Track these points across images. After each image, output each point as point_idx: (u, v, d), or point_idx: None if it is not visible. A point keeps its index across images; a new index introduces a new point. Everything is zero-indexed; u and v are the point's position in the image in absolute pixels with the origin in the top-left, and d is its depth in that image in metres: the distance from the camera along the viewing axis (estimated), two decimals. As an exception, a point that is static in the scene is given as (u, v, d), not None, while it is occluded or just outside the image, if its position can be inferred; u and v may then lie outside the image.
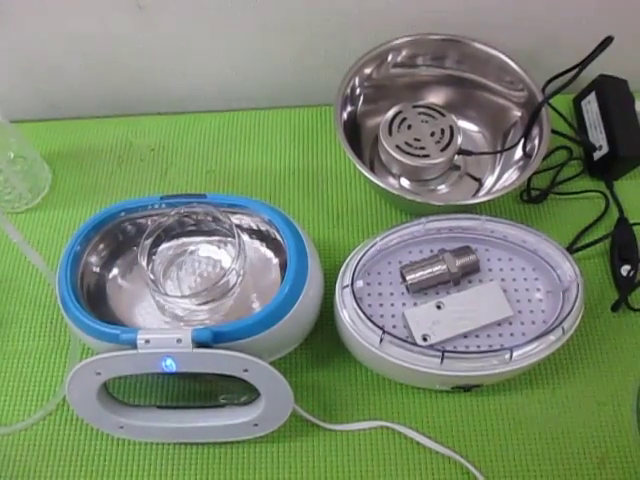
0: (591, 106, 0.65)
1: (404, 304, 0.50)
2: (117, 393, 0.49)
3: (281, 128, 0.70)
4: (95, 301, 0.49)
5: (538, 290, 0.51)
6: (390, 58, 0.63)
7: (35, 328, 0.58)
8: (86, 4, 0.62)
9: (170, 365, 0.43)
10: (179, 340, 0.42)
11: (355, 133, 0.65)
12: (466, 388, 0.50)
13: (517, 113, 0.62)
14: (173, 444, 0.52)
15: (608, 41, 0.53)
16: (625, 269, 0.58)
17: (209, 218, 0.51)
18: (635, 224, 0.60)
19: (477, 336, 0.49)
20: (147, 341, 0.42)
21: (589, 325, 0.57)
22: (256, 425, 0.48)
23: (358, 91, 0.64)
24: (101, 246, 0.50)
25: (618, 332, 0.56)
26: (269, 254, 0.52)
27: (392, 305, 0.50)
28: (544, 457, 0.51)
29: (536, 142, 0.57)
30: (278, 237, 0.49)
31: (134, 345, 0.42)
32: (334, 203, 0.64)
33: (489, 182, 0.63)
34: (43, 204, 0.65)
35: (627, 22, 0.64)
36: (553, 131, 0.62)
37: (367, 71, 0.63)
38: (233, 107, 0.72)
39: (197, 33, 0.66)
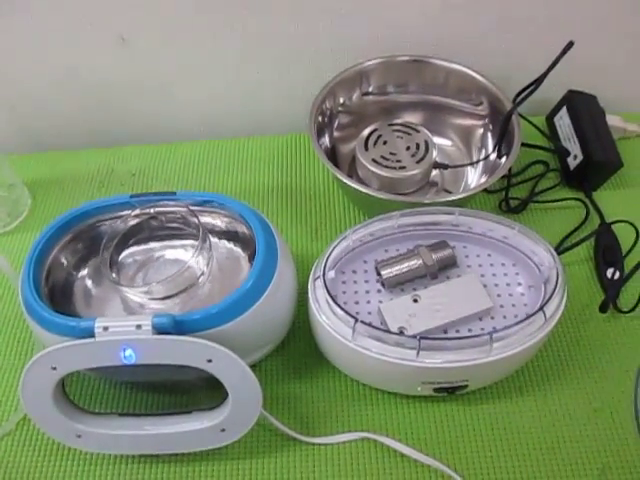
0: (563, 120, 0.66)
1: (380, 301, 0.48)
2: (78, 402, 0.46)
3: (260, 154, 0.70)
4: (60, 300, 0.47)
5: (519, 284, 0.49)
6: (361, 85, 0.66)
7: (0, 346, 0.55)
8: (70, 37, 0.64)
9: (130, 356, 0.41)
10: (139, 326, 0.40)
11: (332, 159, 0.66)
12: (450, 389, 0.47)
13: (484, 126, 0.63)
14: (137, 461, 0.48)
15: (569, 46, 0.55)
16: (610, 272, 0.56)
17: (179, 219, 0.50)
18: (615, 222, 0.59)
19: (457, 331, 0.47)
20: (105, 328, 0.40)
21: (578, 330, 0.54)
22: (223, 430, 0.44)
23: (333, 116, 0.66)
24: (71, 245, 0.49)
25: (609, 336, 0.54)
26: (240, 255, 0.51)
27: (368, 302, 0.49)
28: (540, 469, 0.47)
29: (508, 146, 0.58)
30: (249, 235, 0.48)
31: (92, 334, 0.40)
32: (313, 218, 0.64)
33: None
34: (21, 227, 0.65)
35: (596, 44, 0.67)
36: (529, 145, 0.63)
37: (340, 98, 0.65)
38: (213, 136, 0.73)
39: (179, 66, 0.69)
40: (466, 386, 0.47)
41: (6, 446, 0.50)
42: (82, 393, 0.51)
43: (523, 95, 0.58)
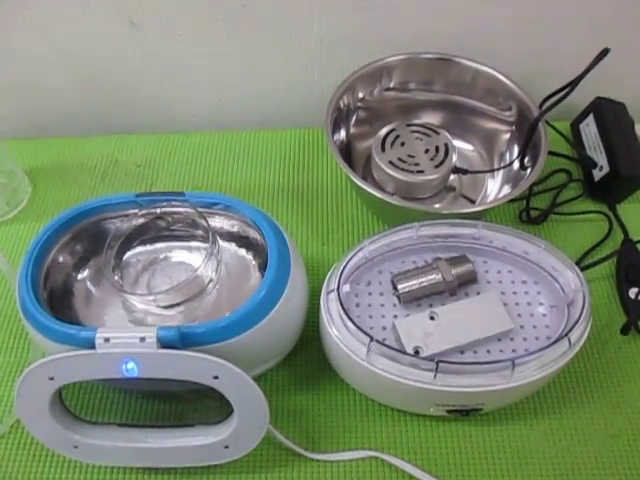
0: (589, 128, 0.63)
1: (395, 316, 0.46)
2: (76, 411, 0.44)
3: (271, 148, 0.68)
4: (59, 303, 0.45)
5: (541, 304, 0.47)
6: (382, 80, 0.63)
7: (-4, 344, 0.53)
8: (77, 19, 0.61)
9: (132, 369, 0.38)
10: (142, 339, 0.38)
11: (347, 156, 0.64)
12: (464, 412, 0.45)
13: (511, 133, 0.61)
14: (135, 471, 0.46)
15: (605, 53, 0.52)
16: (633, 292, 0.54)
17: (186, 220, 0.47)
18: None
19: (475, 352, 0.44)
20: (107, 340, 0.38)
21: (597, 350, 0.52)
22: (227, 447, 0.42)
23: (350, 112, 0.63)
24: (72, 245, 0.47)
25: (629, 358, 0.52)
26: (251, 260, 0.49)
27: (383, 317, 0.46)
28: (553, 496, 0.46)
29: (533, 155, 0.55)
30: (260, 241, 0.46)
31: (92, 345, 0.38)
32: (325, 220, 0.61)
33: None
34: (20, 217, 0.62)
35: (626, 49, 0.63)
36: (552, 153, 0.60)
37: (359, 93, 0.62)
38: (222, 127, 0.71)
39: (188, 52, 0.66)
40: (481, 409, 0.45)
41: (-1, 449, 0.48)
42: (80, 400, 0.49)
43: (551, 102, 0.55)
